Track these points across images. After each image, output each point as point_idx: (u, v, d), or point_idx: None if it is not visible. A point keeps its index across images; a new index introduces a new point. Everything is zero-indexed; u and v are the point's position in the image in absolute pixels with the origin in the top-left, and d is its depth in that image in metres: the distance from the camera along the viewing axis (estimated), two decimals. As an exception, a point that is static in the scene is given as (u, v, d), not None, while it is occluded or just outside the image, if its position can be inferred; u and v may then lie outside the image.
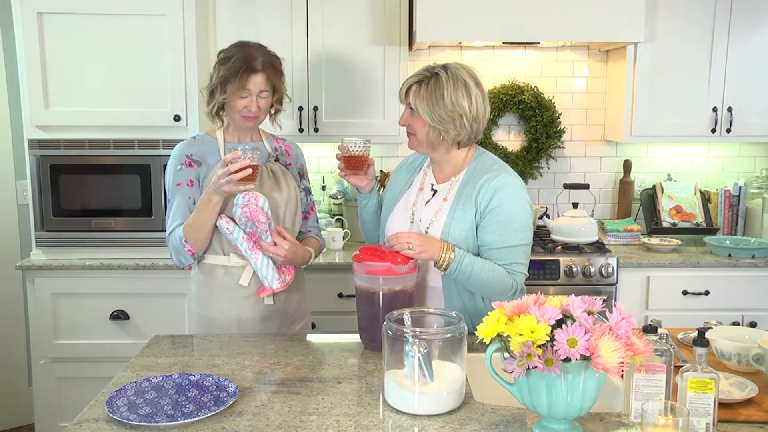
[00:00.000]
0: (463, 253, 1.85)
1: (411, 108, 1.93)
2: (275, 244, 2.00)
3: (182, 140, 2.17)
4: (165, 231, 2.89)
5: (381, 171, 3.50)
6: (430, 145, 1.95)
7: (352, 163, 2.02)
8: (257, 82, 2.03)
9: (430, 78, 1.89)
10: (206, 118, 2.19)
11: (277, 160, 2.21)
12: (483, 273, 1.86)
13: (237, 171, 1.87)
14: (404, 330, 1.47)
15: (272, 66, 2.08)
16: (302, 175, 2.29)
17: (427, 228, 1.96)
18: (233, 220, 2.01)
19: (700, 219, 3.41)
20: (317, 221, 2.35)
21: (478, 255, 1.93)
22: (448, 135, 1.91)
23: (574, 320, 1.28)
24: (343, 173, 2.05)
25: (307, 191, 2.29)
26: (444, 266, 1.85)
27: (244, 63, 2.01)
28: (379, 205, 2.18)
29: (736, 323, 3.01)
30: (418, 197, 2.04)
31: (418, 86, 1.90)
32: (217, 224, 2.01)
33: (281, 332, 2.15)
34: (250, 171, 1.89)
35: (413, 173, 2.11)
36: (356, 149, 2.00)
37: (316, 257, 2.22)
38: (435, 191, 2.02)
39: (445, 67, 1.90)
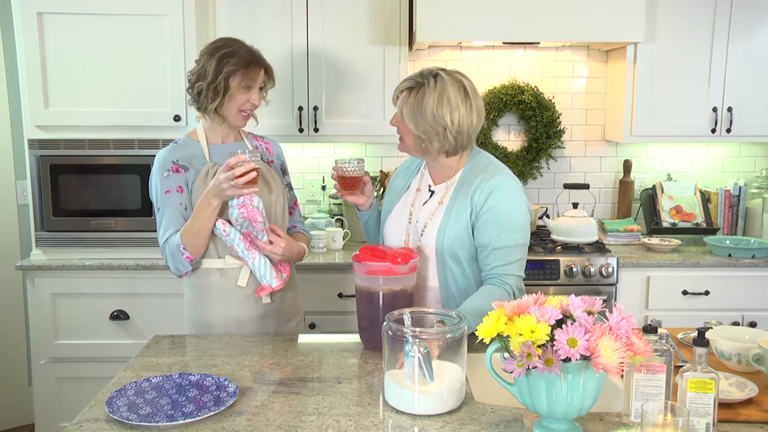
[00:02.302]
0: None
1: (400, 112, 1.93)
2: (271, 243, 2.01)
3: (164, 147, 2.14)
4: (165, 231, 2.93)
5: (381, 171, 3.50)
6: (419, 151, 1.96)
7: (348, 184, 2.03)
8: (261, 75, 2.07)
9: (420, 86, 1.88)
10: (198, 119, 2.17)
11: (261, 158, 2.20)
12: (480, 318, 1.56)
13: (241, 175, 1.86)
14: (404, 330, 1.47)
15: (266, 62, 2.11)
16: (284, 171, 2.30)
17: (423, 229, 1.97)
18: (228, 221, 2.00)
19: (700, 219, 3.41)
20: (301, 215, 2.36)
21: (473, 256, 1.93)
22: (432, 146, 1.91)
23: (574, 320, 1.28)
24: (339, 193, 2.06)
25: (290, 187, 2.29)
26: None
27: (252, 57, 2.04)
28: (379, 215, 2.18)
29: (736, 323, 3.01)
30: (416, 198, 2.04)
31: (408, 93, 1.90)
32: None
33: (278, 329, 2.16)
34: (254, 174, 1.89)
35: (411, 176, 2.12)
36: (351, 170, 2.01)
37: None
38: (432, 192, 2.02)
39: (436, 75, 1.89)
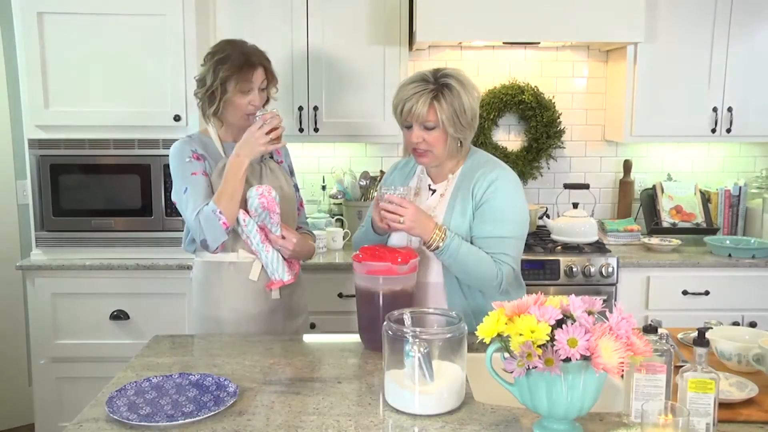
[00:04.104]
0: (452, 236, 1.87)
1: (426, 126, 1.88)
2: (283, 238, 2.04)
3: (178, 140, 2.15)
4: (165, 231, 2.94)
5: (381, 171, 3.50)
6: (450, 155, 1.96)
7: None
8: (259, 75, 2.07)
9: (442, 90, 1.86)
10: (202, 119, 2.19)
11: (271, 157, 2.22)
12: (469, 258, 1.87)
13: (273, 129, 1.98)
14: (404, 330, 1.47)
15: (266, 59, 2.12)
16: (291, 172, 2.32)
17: None
18: (247, 212, 2.03)
19: (700, 219, 3.41)
20: (305, 216, 2.39)
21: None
22: (466, 141, 1.95)
23: (574, 320, 1.28)
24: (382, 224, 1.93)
25: (296, 188, 2.31)
26: (432, 246, 1.86)
27: (245, 59, 2.04)
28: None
29: (736, 323, 3.00)
30: (416, 201, 2.03)
31: (438, 102, 1.85)
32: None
33: (286, 325, 2.18)
34: (283, 129, 2.02)
35: (408, 177, 2.11)
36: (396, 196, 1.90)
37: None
38: (433, 191, 2.03)
39: (446, 75, 1.88)
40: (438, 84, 1.87)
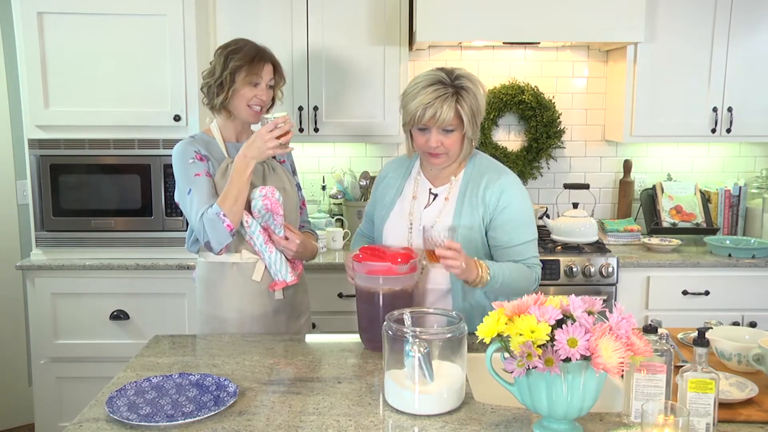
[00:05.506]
0: (491, 264, 1.85)
1: (446, 129, 1.86)
2: (286, 239, 2.06)
3: (181, 140, 2.16)
4: (165, 231, 2.94)
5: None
6: (464, 155, 1.98)
7: (434, 255, 1.80)
8: (268, 70, 2.11)
9: (460, 92, 1.84)
10: (206, 116, 2.19)
11: (273, 157, 2.21)
12: (512, 278, 1.89)
13: (285, 134, 1.97)
14: (404, 330, 1.47)
15: (275, 59, 2.16)
16: (294, 171, 2.33)
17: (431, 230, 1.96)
18: (250, 213, 2.03)
19: (700, 219, 3.41)
20: (308, 215, 2.39)
21: (486, 255, 1.96)
22: (476, 140, 1.98)
23: (574, 320, 1.28)
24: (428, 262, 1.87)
25: (299, 187, 2.32)
26: (480, 283, 1.82)
27: (257, 53, 2.08)
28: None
29: (736, 323, 3.00)
30: (414, 205, 2.01)
31: (459, 104, 1.83)
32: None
33: (289, 325, 2.19)
34: (292, 135, 2.00)
35: (402, 179, 2.08)
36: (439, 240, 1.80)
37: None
38: (435, 195, 2.01)
39: (459, 76, 1.87)
40: (455, 86, 1.85)
